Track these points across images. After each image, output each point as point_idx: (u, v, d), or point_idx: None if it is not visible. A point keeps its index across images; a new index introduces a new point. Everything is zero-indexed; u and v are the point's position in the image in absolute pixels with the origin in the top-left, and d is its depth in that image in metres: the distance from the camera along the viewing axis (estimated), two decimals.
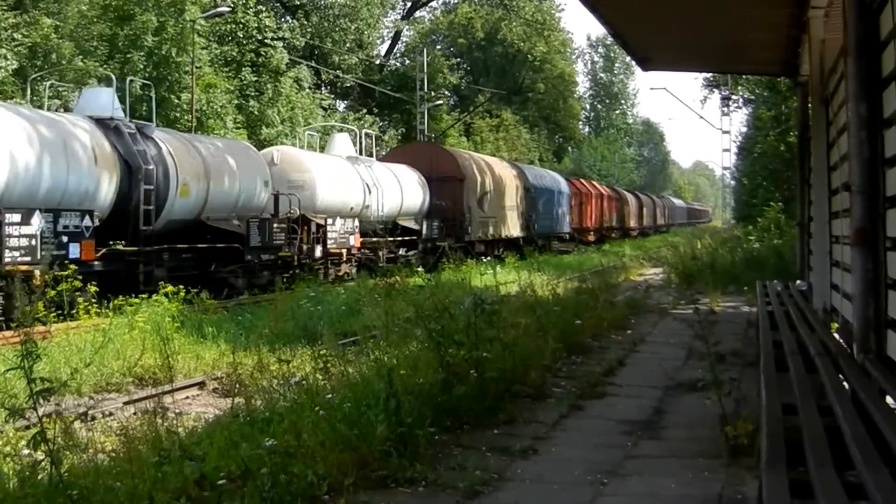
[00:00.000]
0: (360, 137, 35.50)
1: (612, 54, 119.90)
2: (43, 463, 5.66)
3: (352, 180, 29.99)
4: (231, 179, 23.75)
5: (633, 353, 13.31)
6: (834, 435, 5.45)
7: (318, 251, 26.70)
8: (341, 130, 38.03)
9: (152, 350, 12.47)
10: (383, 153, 43.45)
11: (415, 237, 34.03)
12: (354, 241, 28.96)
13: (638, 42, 15.90)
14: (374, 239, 30.36)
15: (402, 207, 33.43)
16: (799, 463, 5.06)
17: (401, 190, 33.33)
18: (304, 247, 26.06)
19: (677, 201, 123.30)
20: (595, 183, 68.25)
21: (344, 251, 28.23)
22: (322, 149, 34.56)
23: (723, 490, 6.54)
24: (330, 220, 27.48)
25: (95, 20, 36.11)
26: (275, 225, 24.87)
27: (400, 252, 32.29)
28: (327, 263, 27.50)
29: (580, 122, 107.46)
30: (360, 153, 34.06)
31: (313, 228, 26.68)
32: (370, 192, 30.81)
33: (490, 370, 8.96)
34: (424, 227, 34.56)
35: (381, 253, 30.90)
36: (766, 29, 13.81)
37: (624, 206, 72.11)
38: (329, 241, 27.27)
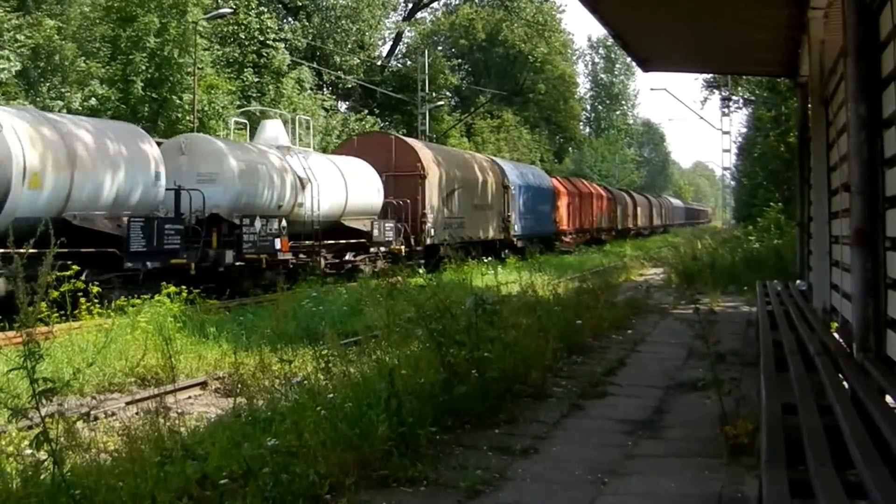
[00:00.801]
0: (295, 125, 32.09)
1: (612, 55, 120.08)
2: (46, 463, 5.64)
3: (279, 173, 25.55)
4: (107, 169, 19.32)
5: (634, 352, 13.33)
6: (833, 434, 5.46)
7: (229, 257, 22.45)
8: (273, 116, 33.56)
9: (154, 350, 12.52)
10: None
11: (364, 240, 29.82)
12: (280, 244, 24.68)
13: (638, 43, 15.90)
14: (308, 243, 26.80)
15: (348, 206, 28.94)
16: (799, 462, 5.07)
17: (345, 186, 28.77)
18: (211, 252, 22.08)
19: (675, 201, 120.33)
20: (585, 182, 65.37)
21: (265, 257, 23.84)
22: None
23: (723, 489, 6.55)
24: (247, 221, 23.31)
25: (98, 21, 36.25)
26: (167, 226, 20.56)
27: (347, 257, 29.34)
28: (244, 272, 23.55)
29: (581, 123, 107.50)
30: (296, 142, 30.03)
31: (225, 230, 22.75)
32: (304, 187, 26.50)
33: (491, 370, 8.99)
34: (376, 228, 30.19)
35: (320, 259, 27.06)
36: (765, 30, 13.82)
37: (617, 205, 69.12)
38: (245, 246, 23.02)
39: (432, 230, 33.24)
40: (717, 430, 7.75)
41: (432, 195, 33.64)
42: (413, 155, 33.67)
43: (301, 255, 26.35)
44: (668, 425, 8.71)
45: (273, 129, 28.69)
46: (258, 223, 23.81)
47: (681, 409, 9.38)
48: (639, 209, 79.44)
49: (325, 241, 27.64)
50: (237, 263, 22.90)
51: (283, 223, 25.05)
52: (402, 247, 30.82)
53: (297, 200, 26.25)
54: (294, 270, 25.27)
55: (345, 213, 28.97)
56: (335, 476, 6.31)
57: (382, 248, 30.33)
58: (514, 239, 42.10)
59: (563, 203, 52.75)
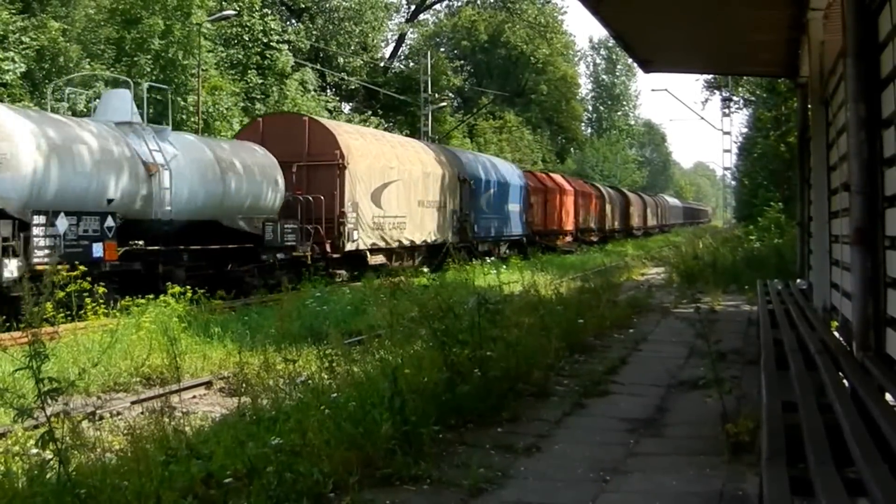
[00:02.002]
0: (144, 97, 24.17)
1: (613, 56, 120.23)
2: (51, 462, 5.69)
3: (112, 157, 19.33)
4: None
5: (636, 351, 13.33)
6: (834, 432, 5.46)
7: (12, 270, 16.17)
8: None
9: (159, 350, 12.51)
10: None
11: (252, 245, 23.91)
12: (104, 251, 18.53)
13: (639, 44, 15.93)
14: (155, 248, 20.86)
15: (228, 201, 22.71)
16: (799, 459, 5.07)
17: (222, 176, 22.53)
18: None
19: (672, 200, 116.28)
20: (569, 178, 59.92)
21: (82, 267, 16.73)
22: None
23: (724, 487, 6.57)
24: (38, 219, 17.03)
25: (103, 24, 36.31)
26: None
27: (231, 266, 23.72)
28: (36, 287, 12.94)
29: (582, 124, 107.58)
30: (146, 119, 22.74)
31: (5, 232, 16.50)
32: (152, 175, 20.26)
33: (494, 369, 9.03)
34: (269, 231, 24.19)
35: (176, 270, 20.83)
36: (765, 31, 13.84)
37: (607, 204, 64.00)
38: (37, 254, 16.79)
39: (355, 232, 27.60)
40: (719, 429, 7.77)
41: (355, 189, 27.85)
42: (330, 140, 27.58)
43: (135, 265, 20.02)
44: (669, 423, 8.72)
45: (117, 102, 21.64)
46: (62, 222, 17.60)
47: (682, 408, 9.39)
48: (632, 208, 75.06)
49: (191, 247, 21.80)
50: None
51: (111, 221, 18.92)
52: (309, 253, 25.75)
53: (137, 192, 20.00)
54: (127, 284, 18.95)
55: (223, 210, 22.79)
56: (339, 475, 6.32)
57: (281, 255, 24.79)
58: (474, 242, 36.68)
59: (538, 201, 47.55)
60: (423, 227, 32.59)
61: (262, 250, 24.17)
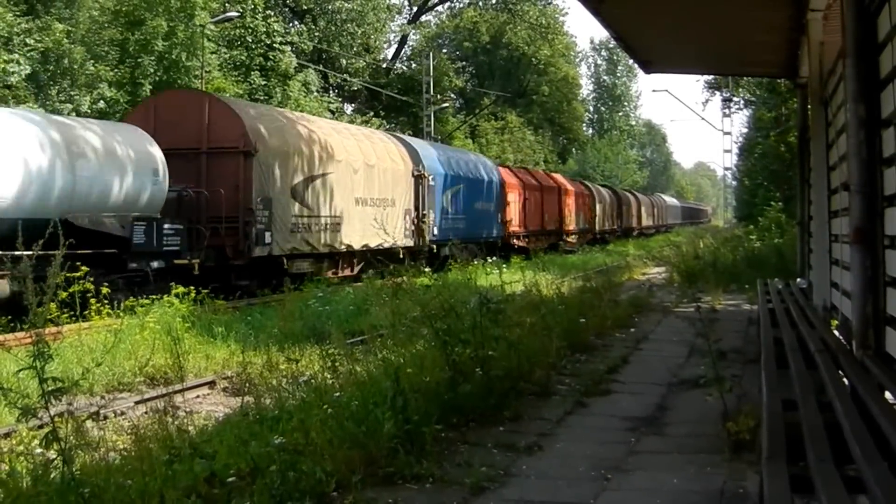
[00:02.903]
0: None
1: (614, 57, 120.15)
2: (55, 461, 5.71)
3: None
4: None
5: (637, 350, 13.36)
6: (834, 430, 5.48)
7: None
8: None
9: (163, 350, 12.59)
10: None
11: (117, 250, 18.88)
12: None
13: (640, 45, 15.96)
14: None
15: (76, 195, 18.09)
16: (799, 458, 5.10)
17: (70, 163, 17.93)
18: None
19: (669, 199, 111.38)
20: (553, 175, 55.60)
21: None
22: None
23: (725, 485, 6.59)
24: None
25: (106, 25, 36.29)
26: None
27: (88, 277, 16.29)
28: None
29: (584, 124, 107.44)
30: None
31: None
32: None
33: (495, 368, 9.05)
34: (138, 232, 19.41)
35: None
36: (765, 31, 13.86)
37: (596, 204, 59.43)
38: None
39: (267, 234, 22.84)
40: (719, 427, 7.80)
41: (268, 182, 23.19)
42: (235, 123, 22.76)
43: None
44: (670, 422, 8.75)
45: None
46: None
47: (683, 406, 9.42)
48: (625, 208, 70.60)
49: (15, 252, 14.42)
50: None
51: None
52: (198, 261, 20.90)
53: None
54: None
55: (73, 206, 17.96)
56: (341, 473, 6.35)
57: (157, 263, 19.88)
58: (432, 245, 32.28)
59: (515, 199, 43.04)
60: (364, 230, 26.85)
61: (130, 257, 19.12)
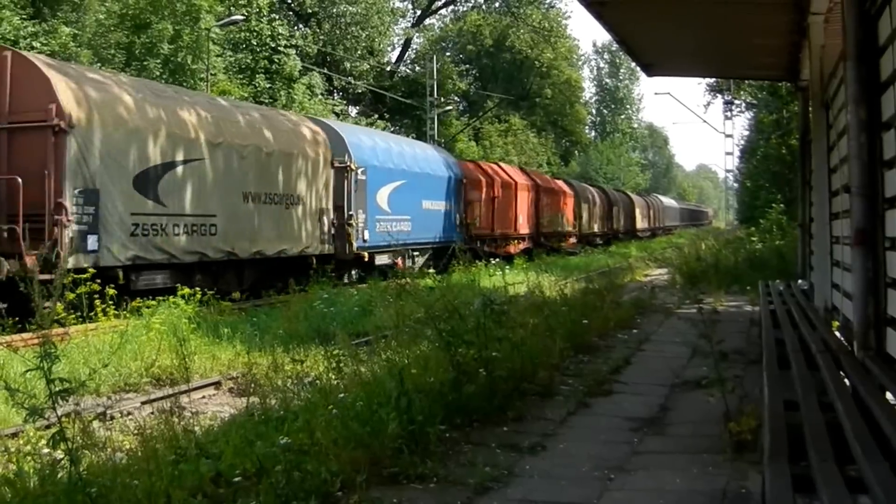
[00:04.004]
0: None
1: (617, 60, 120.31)
2: (62, 462, 5.74)
3: None
4: None
5: (639, 351, 13.34)
6: (835, 430, 5.52)
7: None
8: None
9: (169, 351, 12.58)
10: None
11: None
12: None
13: (642, 48, 16.03)
14: None
15: None
16: (801, 458, 5.12)
17: None
18: None
19: (667, 200, 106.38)
20: (530, 172, 50.75)
21: None
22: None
23: (727, 485, 6.59)
24: None
25: (113, 28, 36.45)
26: None
27: None
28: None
29: (586, 127, 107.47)
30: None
31: None
32: None
33: (499, 369, 9.05)
34: None
35: None
36: (767, 35, 13.91)
37: (583, 204, 54.72)
38: None
39: (91, 239, 17.09)
40: (721, 427, 7.79)
41: (92, 168, 17.24)
42: (43, 88, 16.81)
43: None
44: (672, 422, 8.76)
45: None
46: None
47: (685, 407, 9.43)
48: (615, 209, 65.40)
49: None
50: None
51: None
52: None
53: None
54: None
55: None
56: (346, 473, 6.35)
57: None
58: (363, 252, 26.97)
59: (480, 198, 38.24)
60: (254, 233, 22.11)
61: None
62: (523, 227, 43.29)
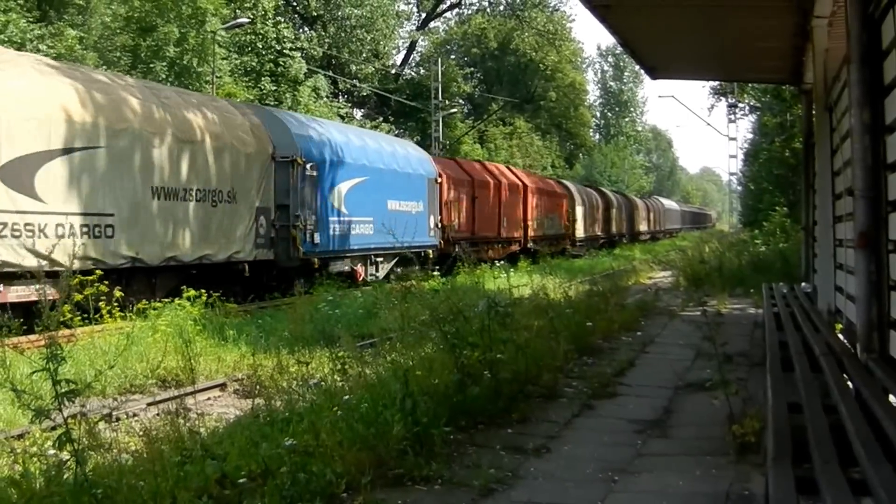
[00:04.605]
0: None
1: (621, 63, 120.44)
2: (68, 463, 5.74)
3: None
4: None
5: (643, 354, 13.35)
6: (838, 433, 5.54)
7: None
8: None
9: (175, 352, 12.57)
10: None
11: None
12: None
13: (646, 52, 16.07)
14: None
15: None
16: (804, 460, 5.12)
17: None
18: None
19: (668, 202, 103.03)
20: (521, 171, 47.29)
21: None
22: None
23: (730, 487, 6.61)
24: None
25: (118, 31, 36.58)
26: None
27: None
28: None
29: (591, 130, 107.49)
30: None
31: None
32: None
33: (504, 371, 9.07)
34: None
35: None
36: (771, 38, 13.94)
37: (576, 206, 51.01)
38: None
39: None
40: (725, 429, 7.81)
41: None
42: None
43: None
44: (676, 424, 8.77)
45: None
46: None
47: (689, 409, 9.45)
48: (613, 211, 62.37)
49: None
50: None
51: None
52: None
53: None
54: None
55: None
56: (351, 475, 6.37)
57: None
58: (312, 258, 23.78)
59: (459, 199, 35.32)
60: (166, 236, 18.70)
61: None
62: (510, 230, 40.48)
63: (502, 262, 31.41)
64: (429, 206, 31.95)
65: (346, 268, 26.13)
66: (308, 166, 23.59)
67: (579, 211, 51.93)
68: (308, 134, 24.92)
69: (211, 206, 20.25)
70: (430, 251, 31.44)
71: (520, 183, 42.48)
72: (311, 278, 23.17)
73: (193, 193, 19.64)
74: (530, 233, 42.80)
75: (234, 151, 21.26)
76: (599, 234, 57.90)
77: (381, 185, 28.23)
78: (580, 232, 51.98)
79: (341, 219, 25.68)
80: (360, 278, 26.53)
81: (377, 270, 28.13)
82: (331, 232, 24.90)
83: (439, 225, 32.89)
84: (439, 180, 33.15)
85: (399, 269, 28.43)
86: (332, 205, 25.22)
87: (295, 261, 23.03)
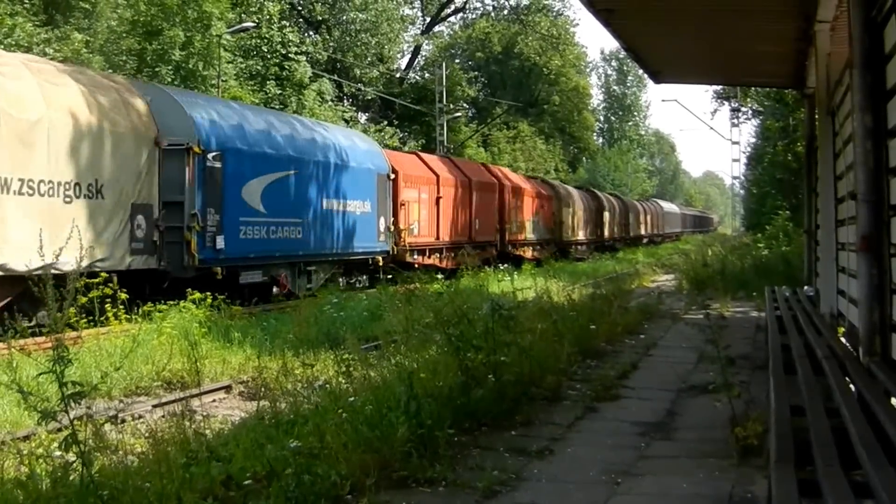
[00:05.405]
0: None
1: (624, 68, 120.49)
2: (74, 464, 5.76)
3: None
4: None
5: (647, 356, 13.40)
6: (841, 435, 5.53)
7: None
8: None
9: (180, 355, 12.67)
10: None
11: None
12: None
13: (650, 56, 16.09)
14: None
15: None
16: (807, 463, 5.12)
17: None
18: None
19: (667, 205, 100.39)
20: (497, 168, 43.45)
21: None
22: None
23: (733, 489, 6.63)
24: None
25: (124, 35, 36.62)
26: None
27: None
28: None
29: (594, 134, 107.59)
30: None
31: None
32: None
33: (507, 374, 9.09)
34: None
35: None
36: (773, 42, 13.97)
37: (562, 208, 47.74)
38: None
39: None
40: (728, 432, 7.84)
41: None
42: None
43: None
44: (679, 427, 8.80)
45: None
46: None
47: (692, 412, 9.48)
48: (606, 214, 59.07)
49: None
50: None
51: None
52: None
53: None
54: None
55: None
56: (356, 477, 6.39)
57: None
58: (214, 267, 19.97)
59: (421, 198, 31.34)
60: (10, 238, 15.35)
61: None
62: (482, 234, 36.71)
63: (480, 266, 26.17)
64: (379, 206, 28.22)
65: (264, 277, 22.33)
66: (210, 156, 20.08)
67: (567, 213, 49.08)
68: (211, 117, 20.95)
69: (65, 203, 16.52)
70: (380, 258, 27.93)
71: (495, 181, 39.22)
72: (215, 290, 18.01)
73: (33, 185, 15.87)
74: (508, 236, 39.60)
75: (100, 134, 17.40)
76: (589, 237, 54.78)
77: (315, 181, 24.63)
78: (568, 235, 49.14)
79: (257, 219, 21.85)
80: (286, 290, 23.12)
81: (310, 281, 24.26)
82: (241, 235, 21.16)
83: (392, 228, 29.05)
84: (393, 177, 29.41)
85: (342, 280, 25.77)
86: (245, 203, 21.44)
87: (189, 270, 18.99)
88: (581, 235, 52.40)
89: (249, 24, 40.01)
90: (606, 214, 59.52)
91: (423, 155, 36.17)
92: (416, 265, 28.97)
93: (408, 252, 29.46)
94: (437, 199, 32.44)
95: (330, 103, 51.40)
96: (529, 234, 42.56)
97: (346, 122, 52.15)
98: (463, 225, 35.00)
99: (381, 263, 27.52)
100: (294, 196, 23.53)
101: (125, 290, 15.56)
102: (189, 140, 19.44)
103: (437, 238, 32.48)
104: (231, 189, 20.85)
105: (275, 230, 22.51)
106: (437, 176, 33.02)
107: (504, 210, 39.03)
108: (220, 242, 20.25)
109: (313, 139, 25.50)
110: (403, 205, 29.87)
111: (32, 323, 14.89)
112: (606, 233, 59.40)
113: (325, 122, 36.67)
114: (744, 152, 64.37)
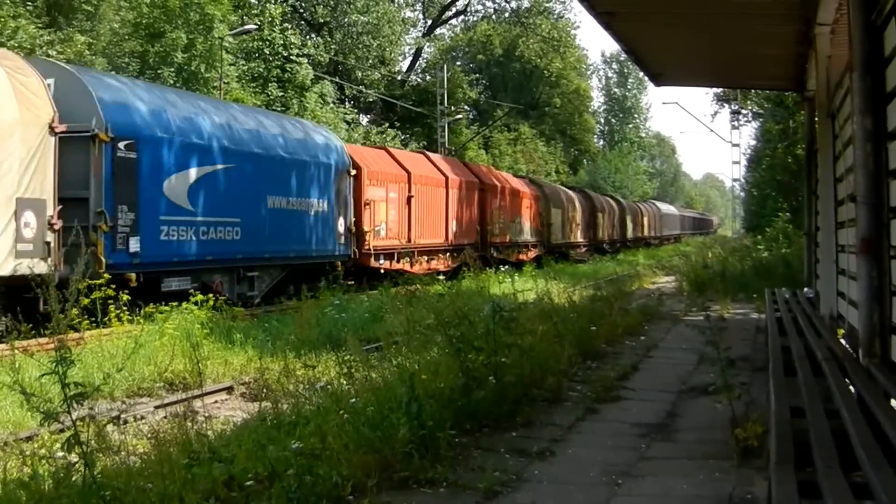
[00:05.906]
0: None
1: (625, 70, 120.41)
2: (77, 465, 5.78)
3: None
4: None
5: (647, 358, 13.42)
6: (840, 437, 5.53)
7: None
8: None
9: (182, 356, 12.67)
10: None
11: None
12: None
13: (650, 58, 16.12)
14: None
15: None
16: (807, 464, 5.12)
17: None
18: None
19: (665, 207, 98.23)
20: (476, 166, 41.55)
21: None
22: None
23: (733, 490, 6.65)
24: None
25: (127, 37, 36.67)
26: None
27: None
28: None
29: (595, 136, 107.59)
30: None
31: None
32: None
33: (508, 375, 9.11)
34: None
35: None
36: (774, 45, 13.98)
37: (550, 209, 45.34)
38: None
39: None
40: (728, 433, 7.86)
41: None
42: None
43: None
44: (680, 428, 8.82)
45: None
46: None
47: (692, 413, 9.49)
48: (600, 216, 57.00)
49: None
50: None
51: None
52: None
53: None
54: None
55: None
56: (357, 478, 6.40)
57: None
58: (128, 273, 17.47)
59: (388, 197, 28.94)
60: None
61: None
62: (461, 236, 34.33)
63: (456, 272, 27.21)
64: (338, 205, 25.79)
65: (192, 285, 19.35)
66: (122, 145, 17.54)
67: (556, 214, 46.49)
68: (125, 101, 18.35)
69: None
70: (339, 263, 25.85)
71: (476, 180, 36.83)
72: (132, 298, 16.38)
73: None
74: (491, 238, 37.31)
75: None
76: (581, 240, 52.31)
77: (257, 176, 22.04)
78: (557, 237, 46.70)
79: (183, 219, 19.35)
80: (221, 294, 19.42)
81: (252, 288, 22.03)
82: (162, 237, 18.73)
83: (353, 230, 26.77)
84: (354, 172, 27.00)
85: (292, 287, 22.98)
86: (168, 199, 18.95)
87: (95, 276, 14.80)
88: (572, 238, 50.21)
89: (251, 26, 40.07)
90: (600, 216, 57.56)
91: (394, 151, 33.81)
92: (383, 270, 27.56)
93: (372, 256, 27.49)
94: (409, 198, 30.33)
95: (331, 105, 51.42)
96: (516, 237, 40.70)
97: (348, 123, 52.22)
98: (439, 227, 32.73)
99: (340, 268, 25.72)
100: (231, 192, 20.98)
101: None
102: (96, 126, 16.99)
103: (409, 241, 30.25)
104: (149, 184, 18.37)
105: (206, 231, 20.11)
106: (409, 173, 30.70)
107: (486, 210, 37.08)
108: (135, 245, 17.85)
109: (256, 130, 22.82)
110: (368, 204, 27.58)
111: None
112: (600, 235, 57.62)
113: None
114: (744, 154, 64.48)
